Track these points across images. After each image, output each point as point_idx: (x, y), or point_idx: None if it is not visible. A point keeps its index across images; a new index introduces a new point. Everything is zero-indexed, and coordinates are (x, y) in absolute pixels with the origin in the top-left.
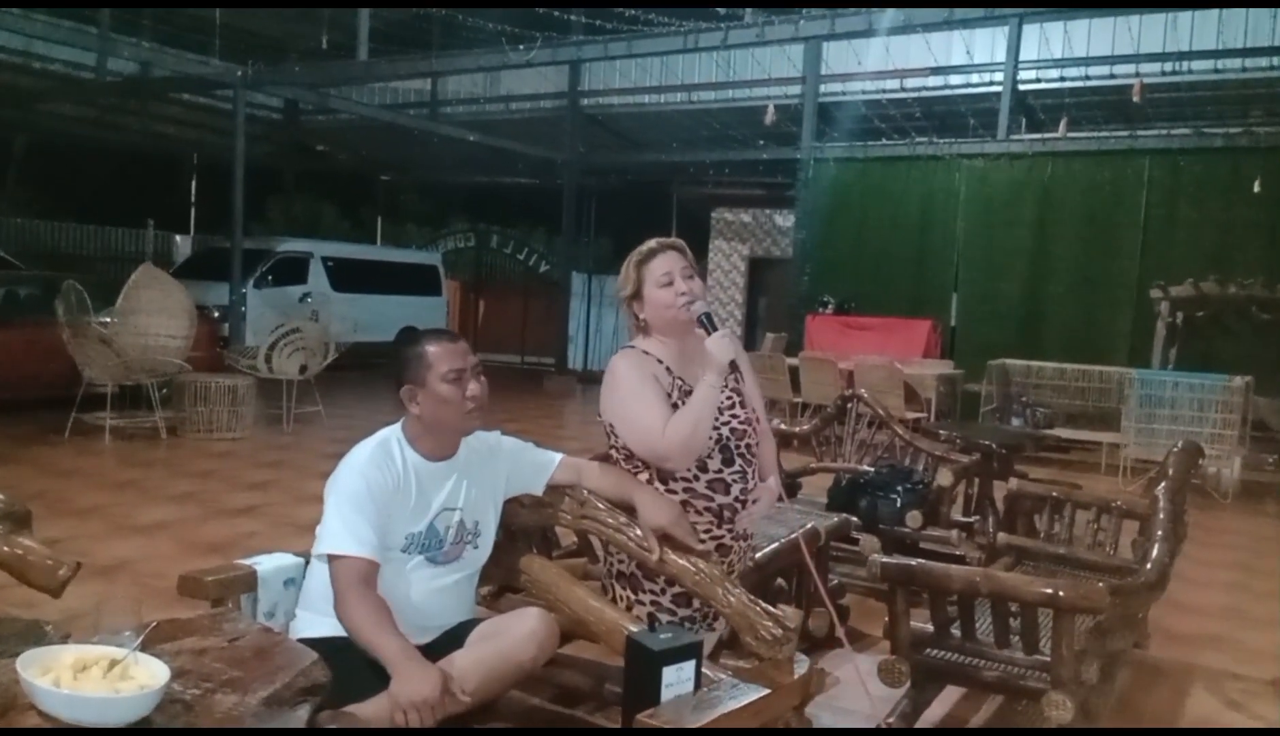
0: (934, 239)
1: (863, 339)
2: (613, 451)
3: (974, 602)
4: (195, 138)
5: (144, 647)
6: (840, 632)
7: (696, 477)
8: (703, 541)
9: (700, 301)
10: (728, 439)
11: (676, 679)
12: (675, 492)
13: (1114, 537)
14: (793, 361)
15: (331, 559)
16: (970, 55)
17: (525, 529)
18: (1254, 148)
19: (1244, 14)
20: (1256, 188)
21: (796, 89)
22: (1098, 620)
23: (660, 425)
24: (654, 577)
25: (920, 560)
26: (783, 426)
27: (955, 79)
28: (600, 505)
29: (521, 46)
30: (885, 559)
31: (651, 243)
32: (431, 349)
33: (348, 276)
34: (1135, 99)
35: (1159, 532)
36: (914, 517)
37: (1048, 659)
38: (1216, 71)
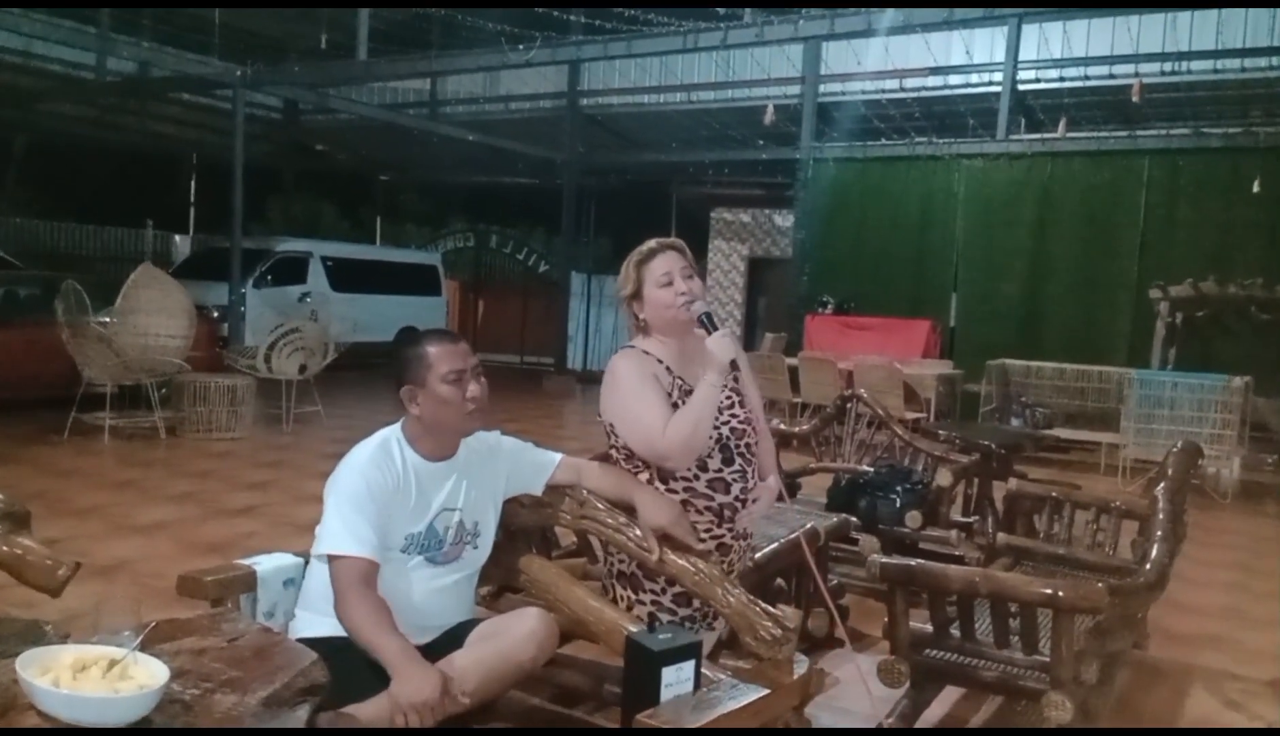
0: (933, 239)
1: (862, 339)
2: (613, 451)
3: (973, 603)
4: (195, 137)
5: (143, 647)
6: (842, 632)
7: (697, 477)
8: (703, 541)
9: (700, 301)
10: (727, 438)
11: (676, 679)
12: (676, 492)
13: (1113, 538)
14: (792, 361)
15: (332, 559)
16: (970, 55)
17: (525, 529)
18: (1253, 148)
19: (1243, 14)
20: (1256, 188)
21: (796, 89)
22: (1097, 620)
23: (661, 424)
24: (654, 577)
25: (919, 560)
26: (782, 426)
27: (955, 79)
28: (600, 505)
29: (521, 46)
30: (885, 559)
31: (651, 243)
32: (432, 350)
33: (347, 276)
34: (1134, 99)
35: (1158, 533)
36: (913, 518)
37: (1047, 659)
38: (1216, 72)
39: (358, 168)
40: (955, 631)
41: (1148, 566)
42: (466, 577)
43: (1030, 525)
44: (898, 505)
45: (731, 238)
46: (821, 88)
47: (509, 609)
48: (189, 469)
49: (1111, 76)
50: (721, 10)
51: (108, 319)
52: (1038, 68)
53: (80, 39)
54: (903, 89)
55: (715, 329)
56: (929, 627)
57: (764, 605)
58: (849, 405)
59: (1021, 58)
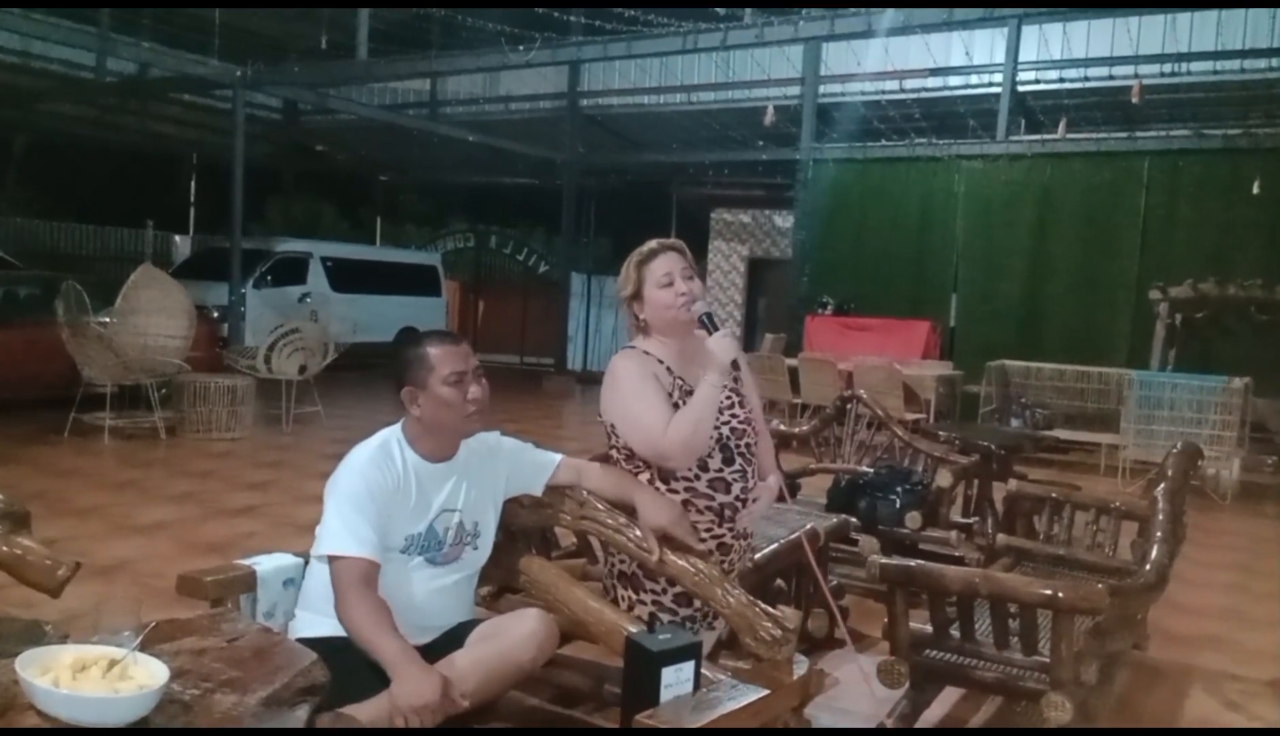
0: (933, 240)
1: (862, 340)
2: (613, 451)
3: (973, 604)
4: (194, 138)
5: (143, 647)
6: (844, 633)
7: (698, 477)
8: (703, 540)
9: (701, 301)
10: (728, 438)
11: (675, 679)
12: (676, 492)
13: (1113, 539)
14: (792, 362)
15: (332, 559)
16: (969, 56)
17: (525, 529)
18: (1253, 149)
19: (1243, 15)
20: (1255, 189)
21: (796, 90)
22: (1097, 621)
23: (662, 424)
24: (655, 578)
25: (919, 561)
26: (782, 427)
27: (954, 80)
28: (600, 506)
29: (521, 47)
30: (884, 560)
31: (652, 243)
32: (433, 351)
33: (347, 277)
34: (1134, 100)
35: (1158, 534)
36: (913, 518)
37: (1047, 660)
38: (1215, 73)
39: (358, 168)
40: (955, 632)
41: (1147, 567)
42: (466, 578)
43: (1030, 526)
44: (897, 506)
45: (731, 238)
46: (821, 88)
47: (509, 609)
48: (189, 469)
49: (1111, 77)
50: (721, 11)
51: (108, 319)
52: (1037, 69)
53: (80, 39)
54: (903, 90)
55: (716, 329)
56: (929, 628)
57: (764, 606)
58: (849, 406)
59: (1021, 59)
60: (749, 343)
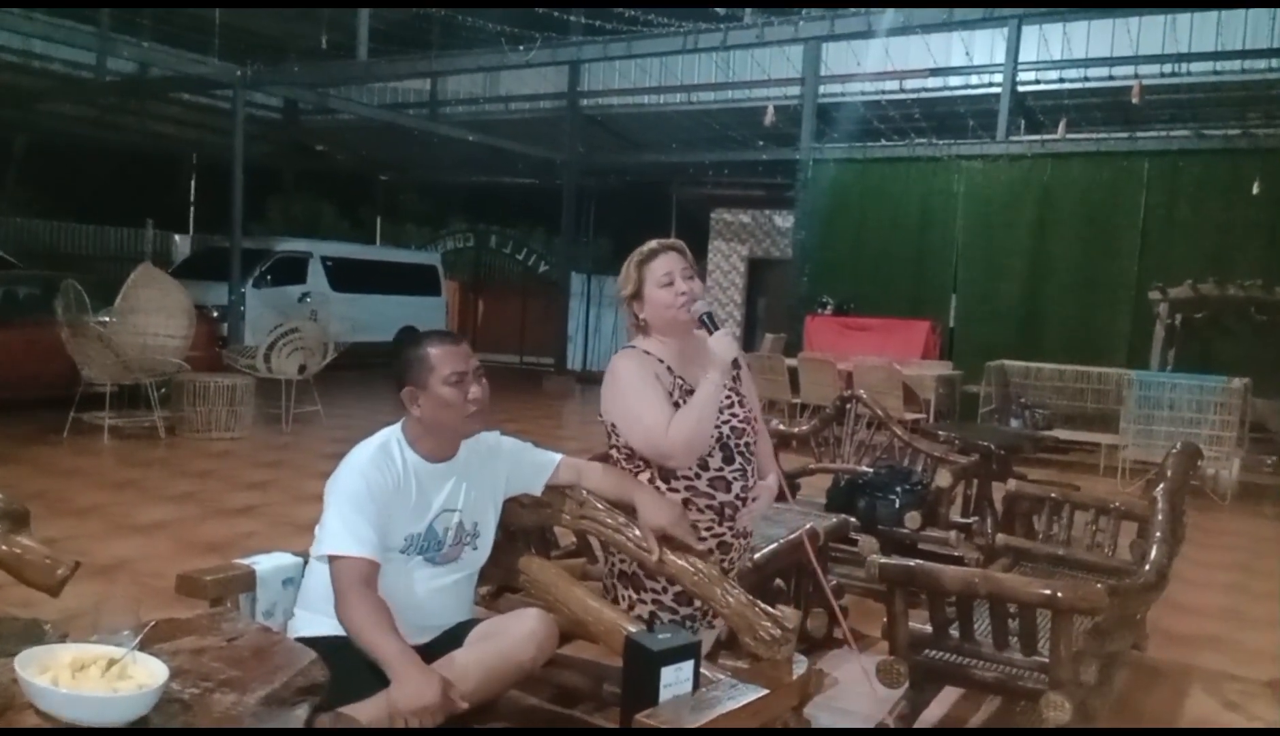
0: (933, 240)
1: (862, 340)
2: (613, 451)
3: (972, 603)
4: (194, 137)
5: (142, 647)
6: (846, 633)
7: (698, 476)
8: (704, 539)
9: (701, 301)
10: (728, 437)
11: (675, 679)
12: (677, 491)
13: (1112, 539)
14: (792, 362)
15: (332, 559)
16: (969, 56)
17: (524, 529)
18: (1253, 149)
19: (1243, 16)
20: (1255, 189)
21: (796, 90)
22: (1096, 621)
23: (664, 423)
24: (655, 577)
25: (919, 561)
26: (782, 427)
27: (954, 80)
28: (599, 505)
29: (521, 47)
30: (884, 560)
31: (652, 243)
32: (433, 351)
33: (347, 276)
34: (1134, 100)
35: (1157, 534)
36: (913, 518)
37: (1046, 660)
38: (1215, 73)
39: (357, 168)
40: (954, 632)
41: (1147, 567)
42: (466, 578)
43: (1029, 526)
44: (897, 506)
45: (731, 238)
46: (821, 89)
47: (508, 609)
48: (188, 468)
49: (1111, 78)
50: (721, 11)
51: (107, 318)
52: (1037, 69)
53: (80, 38)
54: (903, 90)
55: (716, 328)
56: (928, 628)
57: (763, 605)
58: (848, 406)
59: (1021, 59)
60: (749, 342)
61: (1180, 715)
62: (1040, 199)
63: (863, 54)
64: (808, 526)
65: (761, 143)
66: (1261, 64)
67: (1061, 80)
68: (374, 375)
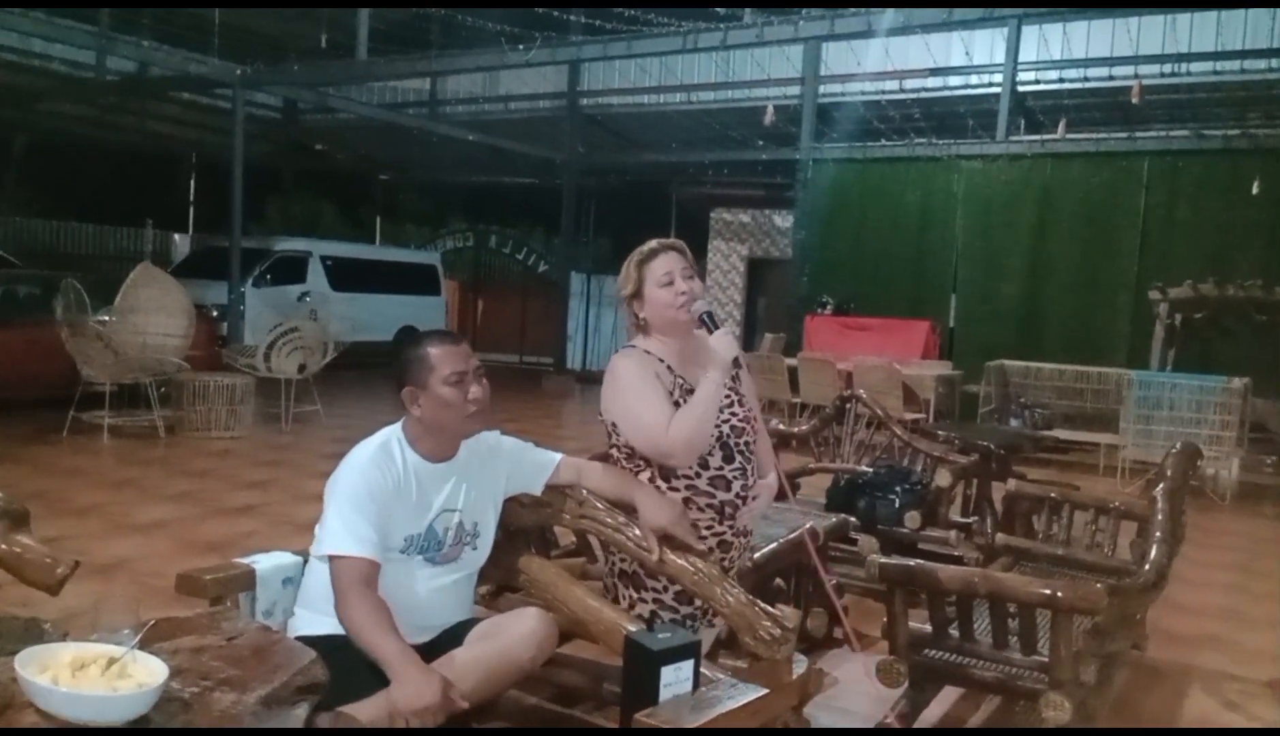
0: (933, 240)
1: (861, 339)
2: (613, 450)
3: (972, 603)
4: (194, 137)
5: (142, 646)
6: (849, 632)
7: (698, 475)
8: (704, 538)
9: (701, 301)
10: (728, 436)
11: (675, 678)
12: (677, 490)
13: (1112, 539)
14: (791, 362)
15: (332, 559)
16: (969, 56)
17: (524, 528)
18: (1252, 149)
19: (1243, 16)
20: (1255, 189)
21: (796, 89)
22: (1096, 621)
23: (664, 422)
24: (656, 576)
25: (918, 560)
26: (781, 427)
27: (954, 80)
28: (599, 505)
29: (521, 46)
30: (884, 559)
31: (652, 243)
32: (433, 351)
33: (346, 276)
34: (1134, 100)
35: (1157, 534)
36: (912, 518)
37: (1046, 659)
38: (1215, 73)
39: (357, 167)
40: (954, 631)
41: (1146, 567)
42: (466, 577)
43: (1029, 526)
44: (897, 505)
45: (731, 238)
46: (821, 88)
47: (508, 608)
48: (188, 468)
49: (1111, 78)
50: (721, 10)
51: (107, 318)
52: (1037, 69)
53: (80, 38)
54: (902, 90)
55: (716, 327)
56: (928, 628)
57: (763, 605)
58: (848, 405)
59: (1021, 59)
60: (748, 342)
61: (1180, 715)
62: (1040, 199)
63: (863, 54)
64: (808, 526)
65: (761, 142)
66: (1261, 64)
67: (1061, 80)
68: (374, 375)
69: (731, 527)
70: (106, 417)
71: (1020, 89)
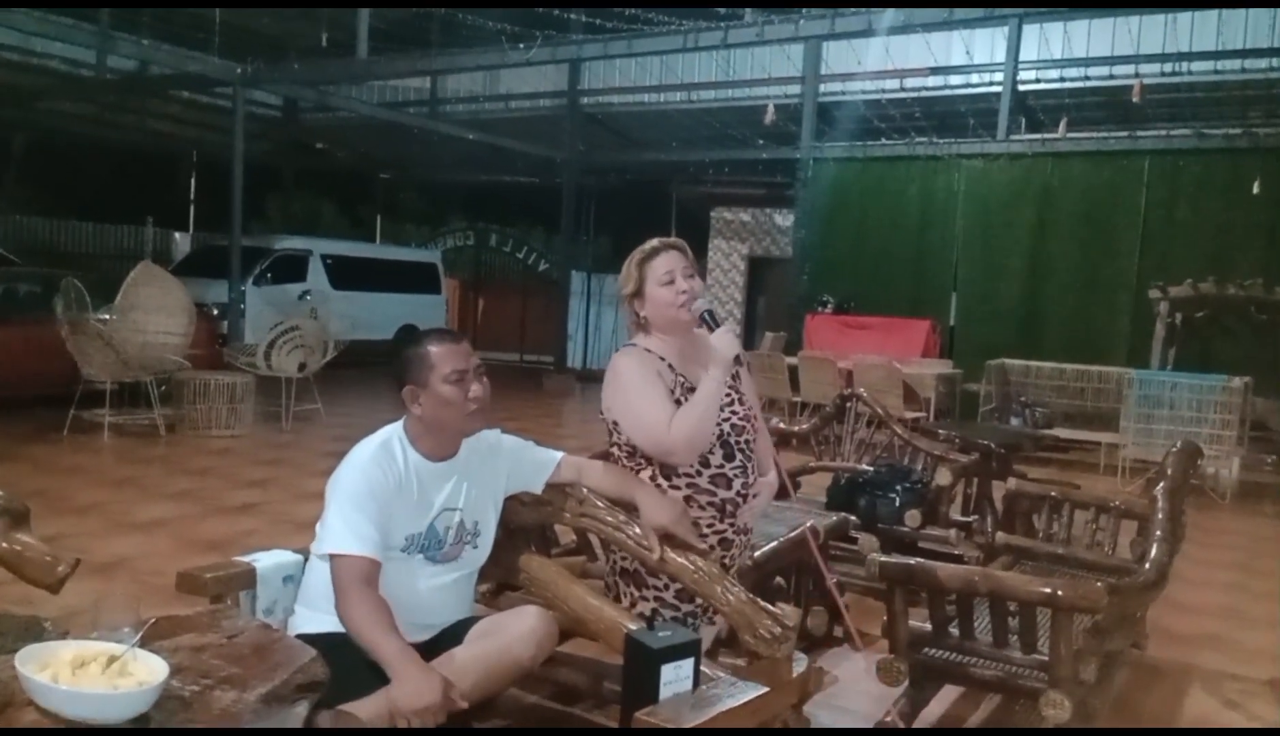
0: (933, 239)
1: (862, 338)
2: (614, 449)
3: (972, 602)
4: (194, 135)
5: (142, 644)
6: (850, 630)
7: (699, 473)
8: (704, 536)
9: (702, 299)
10: (728, 434)
11: (675, 677)
12: (678, 488)
13: (1112, 537)
14: (792, 360)
15: (333, 558)
16: (970, 55)
17: (524, 527)
18: (1253, 149)
19: (1243, 15)
20: (1255, 189)
21: (796, 89)
22: (1096, 620)
23: (665, 420)
24: (656, 574)
25: (919, 559)
26: (782, 425)
27: (955, 79)
28: (599, 503)
29: (521, 45)
30: (884, 558)
31: (654, 241)
32: (434, 350)
33: (347, 274)
34: (1135, 99)
35: (1157, 533)
36: (913, 517)
37: (1046, 658)
38: (1216, 72)
39: (357, 166)
40: (954, 630)
41: (1146, 566)
42: (466, 576)
43: (1029, 524)
44: (897, 504)
45: (732, 237)
46: (822, 87)
47: (508, 606)
48: (188, 466)
49: (1112, 77)
50: (722, 10)
51: (107, 316)
52: (1038, 68)
53: (80, 36)
54: (903, 89)
55: (717, 326)
56: (928, 626)
57: (763, 603)
58: (848, 404)
59: (1022, 58)
60: (749, 341)
61: (1180, 714)
62: (1040, 198)
63: (863, 53)
64: (809, 524)
65: (762, 141)
66: (1262, 63)
67: (1062, 79)
68: (374, 373)
69: (732, 526)
70: (107, 416)
71: (1021, 88)
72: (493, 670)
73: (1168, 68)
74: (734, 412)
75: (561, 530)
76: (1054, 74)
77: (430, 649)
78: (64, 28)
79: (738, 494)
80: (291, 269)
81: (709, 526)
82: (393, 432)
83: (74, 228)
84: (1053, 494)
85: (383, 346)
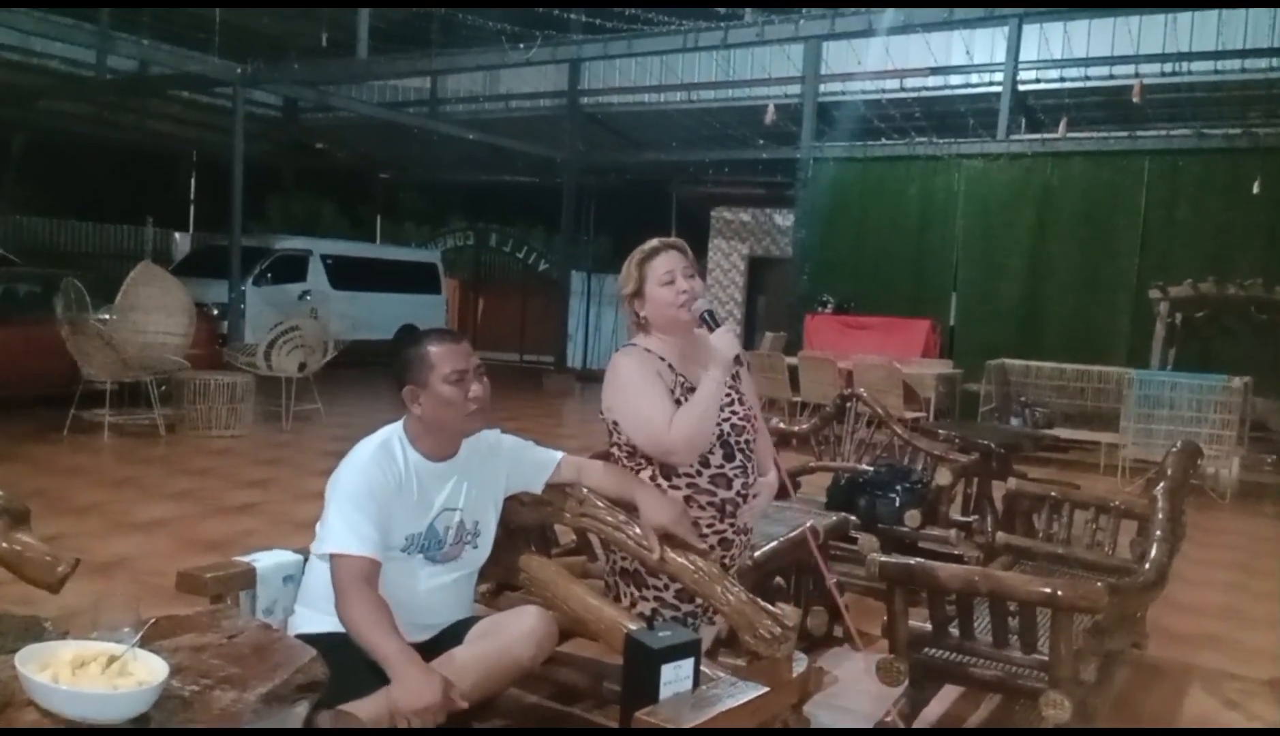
0: (933, 239)
1: (862, 338)
2: (614, 449)
3: (972, 602)
4: (194, 135)
5: (142, 644)
6: (851, 630)
7: (699, 473)
8: (705, 536)
9: (702, 299)
10: (728, 434)
11: (675, 677)
12: (678, 488)
13: (1112, 537)
14: (792, 360)
15: (333, 558)
16: (970, 55)
17: (524, 526)
18: (1253, 148)
19: (1243, 15)
20: (1255, 189)
21: (796, 88)
22: (1096, 619)
23: (666, 420)
24: (656, 574)
25: (919, 559)
26: (782, 425)
27: (955, 79)
28: (599, 503)
29: (521, 45)
30: (884, 558)
31: (654, 241)
32: (434, 350)
33: (347, 274)
34: (1135, 99)
35: (1157, 532)
36: (912, 517)
37: (1046, 658)
38: (1216, 72)
39: (357, 166)
40: (954, 630)
41: (1146, 566)
42: (466, 576)
43: (1029, 524)
44: (897, 504)
45: (732, 237)
46: (822, 87)
47: (508, 606)
48: (188, 466)
49: (1112, 77)
50: (722, 10)
51: (107, 316)
52: (1038, 68)
53: (80, 36)
54: (903, 89)
55: (717, 326)
56: (928, 626)
57: (763, 603)
58: (848, 404)
59: (1022, 58)
60: (749, 341)
61: (1180, 714)
62: (1040, 198)
63: (863, 53)
64: (809, 524)
65: (762, 141)
66: (1262, 63)
67: (1062, 79)
68: (374, 373)
69: (732, 525)
70: (107, 416)
71: (1021, 88)
72: (493, 670)
73: (1168, 68)
74: (734, 413)
75: (561, 530)
76: (1054, 74)
77: (430, 649)
78: (64, 28)
79: (738, 494)
80: (291, 269)
81: (709, 526)
82: (393, 432)
83: (74, 228)
84: (1053, 494)
85: (383, 346)
